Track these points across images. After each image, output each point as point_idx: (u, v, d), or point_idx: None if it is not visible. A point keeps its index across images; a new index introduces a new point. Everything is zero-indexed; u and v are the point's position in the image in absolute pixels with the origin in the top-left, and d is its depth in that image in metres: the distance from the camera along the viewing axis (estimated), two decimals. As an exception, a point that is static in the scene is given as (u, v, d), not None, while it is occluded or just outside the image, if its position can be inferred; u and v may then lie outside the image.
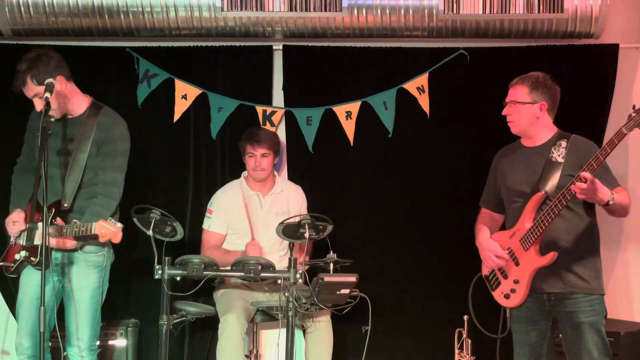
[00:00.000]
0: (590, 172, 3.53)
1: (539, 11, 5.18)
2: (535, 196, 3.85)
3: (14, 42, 5.32)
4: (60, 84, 4.15)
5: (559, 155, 3.88)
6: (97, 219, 4.09)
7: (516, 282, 3.91)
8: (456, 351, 4.86)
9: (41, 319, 3.67)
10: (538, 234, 3.79)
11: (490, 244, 4.03)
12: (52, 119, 4.07)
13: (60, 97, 4.18)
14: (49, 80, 4.01)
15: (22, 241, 4.24)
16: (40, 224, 4.09)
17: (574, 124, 5.38)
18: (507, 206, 4.09)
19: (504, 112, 4.05)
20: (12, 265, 4.26)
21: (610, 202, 3.63)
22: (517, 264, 3.90)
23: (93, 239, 4.18)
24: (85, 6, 5.08)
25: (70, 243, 4.18)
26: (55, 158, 4.22)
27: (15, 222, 4.25)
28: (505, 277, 3.97)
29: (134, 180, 5.30)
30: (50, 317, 4.17)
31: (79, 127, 4.25)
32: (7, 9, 5.08)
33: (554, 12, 5.17)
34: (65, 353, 4.24)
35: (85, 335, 4.28)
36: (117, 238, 4.04)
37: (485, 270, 4.16)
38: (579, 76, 5.41)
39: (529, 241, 3.82)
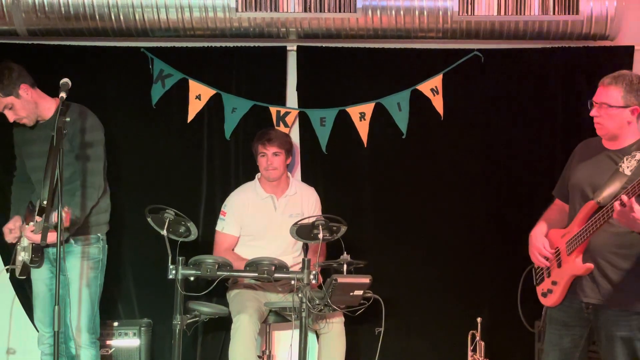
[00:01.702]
0: (632, 195, 3.34)
1: (554, 13, 5.15)
2: (588, 203, 3.66)
3: (30, 42, 5.33)
4: (26, 91, 4.30)
5: (627, 167, 3.62)
6: (78, 209, 4.23)
7: (554, 283, 3.80)
8: (469, 353, 4.85)
9: (55, 318, 3.73)
10: (581, 241, 3.64)
11: (539, 241, 3.87)
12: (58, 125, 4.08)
13: (30, 104, 4.33)
14: (64, 80, 4.06)
15: (20, 245, 4.35)
16: (27, 226, 4.25)
17: (589, 126, 5.39)
18: (570, 203, 3.90)
19: (592, 114, 3.75)
20: (19, 267, 4.37)
21: None
22: (559, 265, 3.77)
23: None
24: (101, 6, 5.09)
25: (49, 238, 3.99)
26: (39, 162, 4.31)
27: (11, 229, 4.42)
28: (549, 275, 3.85)
29: (148, 180, 5.35)
30: (64, 312, 4.27)
31: (51, 129, 4.22)
32: (22, 9, 5.09)
33: (569, 13, 5.15)
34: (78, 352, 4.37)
35: (84, 327, 4.38)
36: (65, 222, 3.96)
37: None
38: (594, 78, 5.36)
39: (573, 246, 3.69)
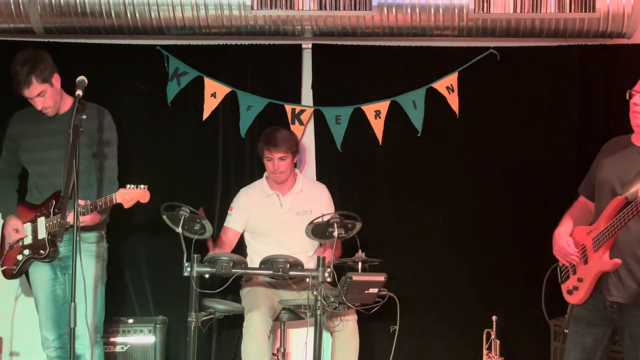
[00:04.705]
0: None
1: (570, 10, 5.12)
2: (615, 199, 3.62)
3: (46, 40, 5.35)
4: (57, 81, 4.35)
5: None
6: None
7: (580, 280, 3.77)
8: (484, 352, 4.83)
9: (71, 315, 3.73)
10: (608, 237, 3.60)
11: (564, 240, 3.84)
12: (86, 116, 4.11)
13: (57, 94, 4.38)
14: (81, 77, 4.08)
15: (21, 242, 4.34)
16: (40, 220, 4.32)
17: (605, 124, 5.37)
18: (596, 199, 3.86)
19: (634, 101, 3.68)
20: (15, 267, 4.37)
21: None
22: (585, 262, 3.74)
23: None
24: (116, 4, 5.11)
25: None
26: (49, 155, 4.35)
27: (17, 230, 4.40)
28: (574, 272, 3.81)
29: (163, 178, 5.35)
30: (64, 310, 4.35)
31: (68, 122, 4.20)
32: (39, 7, 5.11)
33: (585, 11, 5.12)
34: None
35: (95, 325, 4.39)
36: (145, 198, 4.17)
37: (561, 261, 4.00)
38: (611, 76, 5.37)
39: (599, 242, 3.65)
